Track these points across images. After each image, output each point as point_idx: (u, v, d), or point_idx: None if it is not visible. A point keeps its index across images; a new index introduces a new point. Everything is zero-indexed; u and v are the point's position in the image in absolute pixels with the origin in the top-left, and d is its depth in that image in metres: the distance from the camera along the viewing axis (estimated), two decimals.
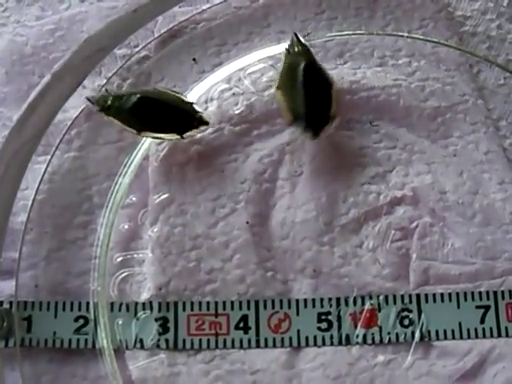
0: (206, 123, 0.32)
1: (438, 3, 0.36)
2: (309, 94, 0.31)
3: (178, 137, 0.32)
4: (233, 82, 0.34)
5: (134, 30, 0.35)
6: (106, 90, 0.33)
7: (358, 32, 0.35)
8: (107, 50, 0.34)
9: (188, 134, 0.32)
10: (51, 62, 0.35)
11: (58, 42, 0.36)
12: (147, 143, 0.33)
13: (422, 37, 0.36)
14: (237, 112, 0.34)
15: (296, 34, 0.32)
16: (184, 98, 0.32)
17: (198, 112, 0.32)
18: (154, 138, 0.32)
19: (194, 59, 0.35)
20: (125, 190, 0.33)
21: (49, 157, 0.33)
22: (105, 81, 0.35)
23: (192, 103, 0.32)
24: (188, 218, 0.32)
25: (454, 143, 0.34)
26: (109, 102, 0.32)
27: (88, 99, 0.32)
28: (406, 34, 0.35)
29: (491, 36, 0.36)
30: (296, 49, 0.32)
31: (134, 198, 0.33)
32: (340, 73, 0.34)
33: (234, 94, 0.34)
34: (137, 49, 0.35)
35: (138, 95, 0.31)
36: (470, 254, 0.32)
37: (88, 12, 0.36)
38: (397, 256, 0.32)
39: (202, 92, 0.34)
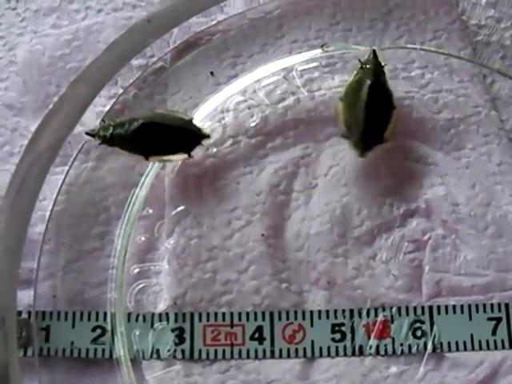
0: (208, 136, 0.32)
1: (451, 14, 0.37)
2: (369, 114, 0.31)
3: (186, 156, 0.32)
4: (248, 94, 0.35)
5: (150, 40, 0.35)
6: (103, 120, 0.33)
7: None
8: (124, 60, 0.35)
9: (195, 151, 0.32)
10: (68, 72, 0.36)
11: (75, 52, 0.36)
12: None
13: (434, 49, 0.36)
14: (252, 124, 0.34)
15: (375, 52, 0.32)
16: (183, 116, 0.33)
17: (198, 128, 0.32)
18: (162, 161, 0.33)
19: (211, 73, 0.35)
20: (141, 201, 0.33)
21: (66, 168, 0.34)
22: (121, 90, 0.35)
23: (191, 119, 0.32)
24: (204, 229, 0.33)
25: (467, 155, 0.34)
26: (110, 132, 0.32)
27: (88, 134, 0.32)
28: (418, 47, 0.36)
29: (505, 45, 0.36)
30: (369, 66, 0.32)
31: (150, 210, 0.33)
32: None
33: (249, 106, 0.34)
34: (153, 59, 0.35)
35: (140, 121, 0.32)
36: (482, 266, 0.32)
37: (104, 22, 0.37)
38: (410, 268, 0.32)
39: (218, 103, 0.35)
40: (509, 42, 0.37)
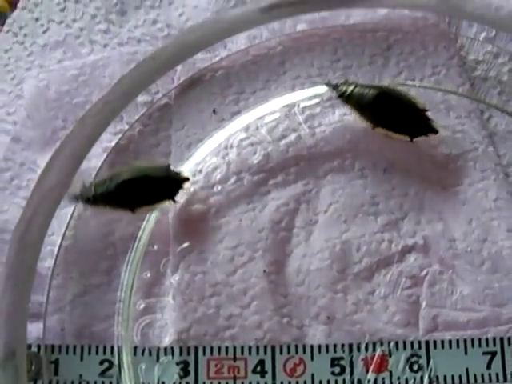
0: (187, 179, 0.33)
1: (450, 50, 0.37)
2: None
3: (172, 202, 0.33)
4: (251, 130, 0.36)
5: (155, 77, 0.36)
6: (83, 182, 0.33)
7: (374, 85, 0.35)
8: (130, 97, 0.35)
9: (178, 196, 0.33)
10: (74, 107, 0.37)
11: (81, 87, 0.37)
12: None
13: (433, 86, 0.36)
14: (255, 161, 0.35)
15: (328, 84, 0.34)
16: (159, 165, 0.33)
17: (176, 172, 0.33)
18: (148, 211, 0.33)
19: (214, 110, 0.36)
20: (147, 237, 0.34)
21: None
22: (127, 126, 0.36)
23: (168, 165, 0.33)
24: (208, 265, 0.34)
25: (464, 191, 0.35)
26: (92, 193, 0.33)
27: (72, 199, 0.33)
28: (417, 84, 0.36)
29: (502, 81, 0.37)
30: (346, 89, 0.34)
31: (156, 246, 0.34)
32: (356, 119, 0.35)
33: (251, 143, 0.35)
34: (158, 96, 0.36)
35: (121, 178, 0.32)
36: (477, 302, 0.33)
37: (110, 57, 0.37)
38: (407, 303, 0.33)
39: (222, 140, 0.35)
40: (506, 77, 0.37)
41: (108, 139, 0.35)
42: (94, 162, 0.35)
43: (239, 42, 0.37)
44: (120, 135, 0.36)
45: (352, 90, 0.34)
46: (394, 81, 0.37)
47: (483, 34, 0.37)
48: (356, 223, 0.34)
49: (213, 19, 0.37)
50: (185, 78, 0.36)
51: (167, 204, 0.33)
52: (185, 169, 0.35)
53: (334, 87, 0.34)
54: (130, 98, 0.35)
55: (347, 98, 0.34)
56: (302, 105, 0.36)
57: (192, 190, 0.34)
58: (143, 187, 0.33)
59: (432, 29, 0.38)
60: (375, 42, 0.37)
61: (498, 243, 0.34)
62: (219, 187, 0.35)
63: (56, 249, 0.34)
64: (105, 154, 0.35)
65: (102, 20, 0.39)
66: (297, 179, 0.35)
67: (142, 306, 0.33)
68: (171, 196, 0.33)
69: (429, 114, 0.34)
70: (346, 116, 0.35)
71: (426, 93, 0.36)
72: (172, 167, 0.33)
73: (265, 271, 0.33)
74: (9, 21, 0.39)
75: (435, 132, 0.34)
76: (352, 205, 0.34)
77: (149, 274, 0.34)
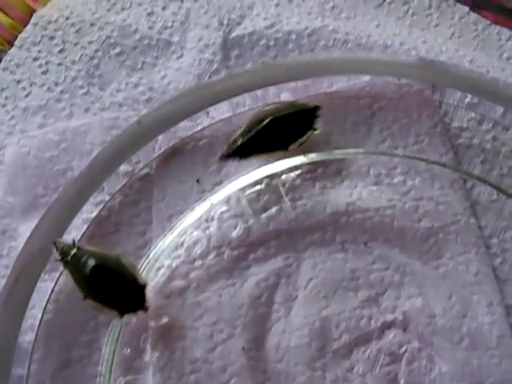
0: (146, 309, 0.32)
1: (433, 118, 0.37)
2: None
3: (118, 315, 0.32)
4: (232, 202, 0.35)
5: (141, 144, 0.35)
6: (74, 241, 0.33)
7: (355, 151, 0.35)
8: (113, 166, 0.35)
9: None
10: (55, 174, 0.37)
11: (62, 154, 0.37)
12: (147, 269, 0.34)
13: (416, 155, 0.36)
14: (236, 235, 0.35)
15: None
16: (139, 279, 0.32)
17: (144, 297, 0.32)
18: (94, 308, 0.32)
19: (197, 180, 0.36)
20: None
21: (55, 274, 0.35)
22: (107, 197, 0.36)
23: (144, 286, 0.32)
24: (187, 342, 0.34)
25: (444, 264, 0.35)
26: (69, 257, 0.32)
27: (54, 243, 0.33)
28: (401, 153, 0.36)
29: (486, 149, 0.37)
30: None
31: (135, 321, 0.34)
32: (337, 192, 0.35)
33: (232, 216, 0.35)
34: (139, 165, 0.36)
35: (95, 262, 0.32)
36: (456, 379, 0.33)
37: (91, 123, 0.37)
38: (385, 381, 0.33)
39: (203, 211, 0.35)
40: (489, 145, 0.37)
41: (88, 210, 0.35)
42: (74, 233, 0.35)
43: (222, 109, 0.36)
44: (101, 206, 0.35)
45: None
46: (377, 149, 0.36)
47: (467, 100, 0.37)
48: (336, 299, 0.34)
49: (206, 83, 0.37)
50: (166, 147, 0.36)
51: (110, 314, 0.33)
52: (166, 242, 0.35)
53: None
54: (114, 168, 0.35)
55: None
56: (283, 176, 0.36)
57: (173, 265, 0.34)
58: (108, 283, 0.32)
59: (416, 95, 0.37)
60: (358, 109, 0.37)
61: (477, 319, 0.34)
62: (199, 262, 0.35)
63: (37, 323, 0.34)
64: (85, 226, 0.35)
65: (83, 83, 0.38)
66: (277, 253, 0.35)
67: (122, 383, 0.33)
68: (123, 310, 0.32)
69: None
70: (326, 189, 0.35)
71: (411, 161, 0.36)
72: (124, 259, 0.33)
73: (243, 348, 0.33)
74: None
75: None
76: (332, 280, 0.34)
77: (129, 350, 0.34)
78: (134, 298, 0.32)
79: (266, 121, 0.34)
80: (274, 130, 0.34)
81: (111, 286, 0.32)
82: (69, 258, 0.33)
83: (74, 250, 0.33)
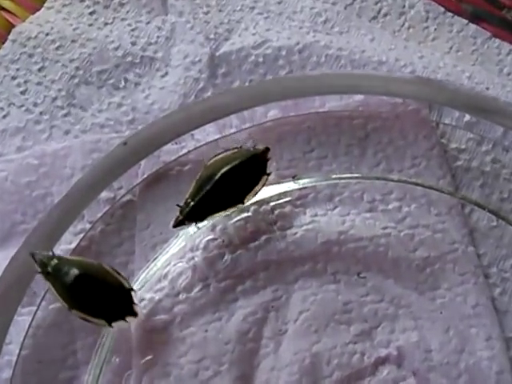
0: (135, 315, 0.31)
1: (430, 139, 0.35)
2: None
3: (106, 324, 0.31)
4: (218, 231, 0.34)
5: (127, 165, 0.34)
6: (53, 252, 0.31)
7: (348, 176, 0.34)
8: (95, 192, 0.34)
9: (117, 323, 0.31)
10: (34, 200, 0.35)
11: (41, 179, 0.35)
12: None
13: (412, 180, 0.34)
14: (222, 266, 0.33)
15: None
16: (125, 284, 0.31)
17: (132, 302, 0.31)
18: (81, 318, 0.31)
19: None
20: (109, 346, 0.33)
21: (33, 308, 0.33)
22: (88, 225, 0.34)
23: (131, 290, 0.31)
24: (171, 380, 0.32)
25: (441, 295, 0.34)
26: (50, 268, 0.31)
27: (32, 255, 0.31)
28: (396, 178, 0.34)
29: (485, 172, 0.35)
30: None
31: (117, 359, 0.32)
32: (329, 220, 0.34)
33: (218, 245, 0.34)
34: (121, 192, 0.34)
35: (78, 271, 0.30)
36: None
37: (71, 147, 0.35)
38: None
39: (188, 240, 0.34)
40: (489, 167, 0.35)
41: (68, 240, 0.34)
42: None
43: (207, 129, 0.35)
44: (81, 235, 0.34)
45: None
46: (371, 173, 0.35)
47: (466, 119, 0.35)
48: (327, 333, 0.33)
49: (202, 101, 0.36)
50: (150, 172, 0.34)
51: (99, 323, 0.31)
52: (149, 274, 0.33)
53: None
54: (95, 194, 0.34)
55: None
56: (272, 203, 0.34)
57: (156, 298, 0.33)
58: (93, 292, 0.31)
59: (412, 115, 0.36)
60: (352, 130, 0.35)
61: (476, 354, 0.33)
62: (184, 295, 0.33)
63: (14, 358, 0.32)
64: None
65: (64, 104, 0.37)
66: (266, 285, 0.33)
67: None
68: (110, 319, 0.31)
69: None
70: (317, 216, 0.34)
71: (406, 186, 0.35)
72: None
73: None
74: None
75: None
76: (323, 313, 0.33)
77: None
78: (121, 303, 0.31)
79: (218, 175, 0.31)
80: (227, 184, 0.31)
81: (96, 293, 0.31)
82: (49, 269, 0.31)
83: (55, 261, 0.31)
